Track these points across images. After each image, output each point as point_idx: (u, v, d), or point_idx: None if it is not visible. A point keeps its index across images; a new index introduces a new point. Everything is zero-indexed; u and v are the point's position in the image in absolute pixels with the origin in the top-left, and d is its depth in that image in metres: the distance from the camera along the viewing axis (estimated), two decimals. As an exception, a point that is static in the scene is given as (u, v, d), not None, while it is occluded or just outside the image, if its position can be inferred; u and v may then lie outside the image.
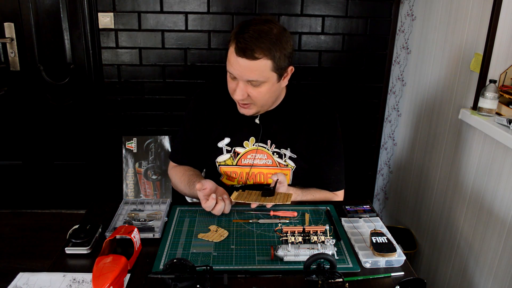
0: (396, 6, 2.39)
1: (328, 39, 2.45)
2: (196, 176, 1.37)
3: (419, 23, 2.29)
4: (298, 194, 1.33)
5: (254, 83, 1.20)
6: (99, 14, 2.36)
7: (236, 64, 1.18)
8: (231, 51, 1.19)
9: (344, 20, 2.41)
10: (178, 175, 1.40)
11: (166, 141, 1.32)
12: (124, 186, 1.28)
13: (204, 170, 1.53)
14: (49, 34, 2.45)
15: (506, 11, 1.58)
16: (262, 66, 1.17)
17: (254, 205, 1.22)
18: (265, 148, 1.36)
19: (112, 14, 2.36)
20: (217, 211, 1.18)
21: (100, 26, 2.38)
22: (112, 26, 2.39)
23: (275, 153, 1.36)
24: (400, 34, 2.44)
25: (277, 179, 1.24)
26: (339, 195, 1.44)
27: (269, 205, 1.22)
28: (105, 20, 2.37)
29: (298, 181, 1.39)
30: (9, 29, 2.41)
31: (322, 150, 1.37)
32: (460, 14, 1.87)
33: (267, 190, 1.21)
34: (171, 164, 1.43)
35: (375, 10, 2.40)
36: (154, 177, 1.29)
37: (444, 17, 2.00)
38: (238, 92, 1.22)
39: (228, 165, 1.39)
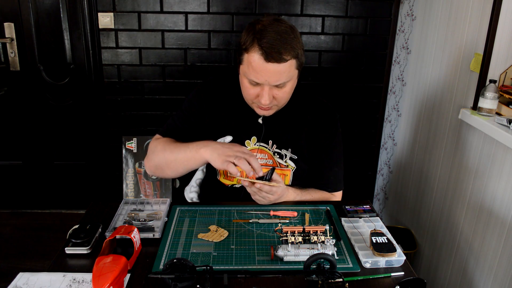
0: (396, 6, 2.39)
1: (328, 39, 2.44)
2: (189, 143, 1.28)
3: (419, 23, 2.29)
4: (297, 194, 1.33)
5: (281, 85, 1.19)
6: (99, 14, 2.36)
7: (264, 70, 1.15)
8: (256, 59, 1.14)
9: (344, 20, 2.41)
10: (163, 142, 1.29)
11: (166, 141, 1.31)
12: (124, 186, 1.28)
13: (204, 167, 1.53)
14: (49, 34, 2.45)
15: (506, 11, 1.58)
16: (289, 67, 1.16)
17: (244, 182, 1.17)
18: (266, 148, 1.36)
19: (112, 14, 2.36)
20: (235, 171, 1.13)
21: (100, 26, 2.38)
22: (112, 26, 2.39)
23: (275, 154, 1.36)
24: (400, 34, 2.44)
25: (273, 167, 1.23)
26: (337, 196, 1.44)
27: (257, 184, 1.16)
28: (105, 20, 2.37)
29: (298, 181, 1.38)
30: (9, 29, 2.41)
31: (322, 150, 1.37)
32: (460, 14, 1.87)
33: (261, 177, 1.18)
34: (157, 136, 1.35)
35: (375, 10, 2.40)
36: (154, 177, 1.29)
37: (444, 17, 2.00)
38: (265, 97, 1.19)
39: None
